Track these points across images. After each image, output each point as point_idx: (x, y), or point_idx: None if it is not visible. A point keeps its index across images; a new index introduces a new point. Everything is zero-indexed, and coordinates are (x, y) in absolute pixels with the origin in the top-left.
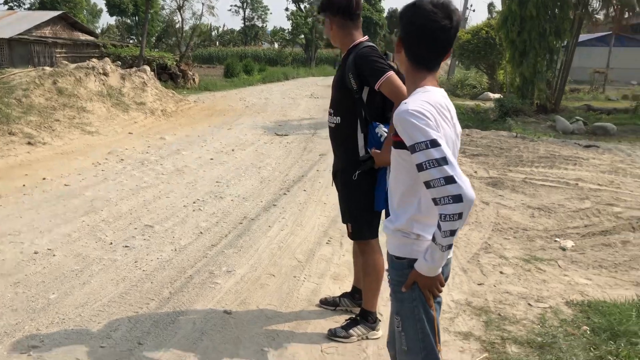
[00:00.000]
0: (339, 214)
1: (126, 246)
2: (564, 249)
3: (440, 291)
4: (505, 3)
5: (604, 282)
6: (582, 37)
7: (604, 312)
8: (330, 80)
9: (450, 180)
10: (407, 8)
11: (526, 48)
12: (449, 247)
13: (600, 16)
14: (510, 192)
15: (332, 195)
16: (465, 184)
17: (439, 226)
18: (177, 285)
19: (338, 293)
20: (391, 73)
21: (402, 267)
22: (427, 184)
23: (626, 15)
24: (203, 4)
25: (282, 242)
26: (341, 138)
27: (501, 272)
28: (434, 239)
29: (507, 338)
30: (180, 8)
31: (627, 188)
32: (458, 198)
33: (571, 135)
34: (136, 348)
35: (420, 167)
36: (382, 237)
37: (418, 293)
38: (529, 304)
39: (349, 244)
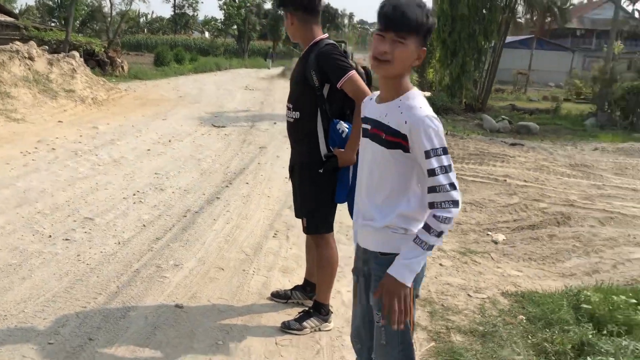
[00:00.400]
0: (283, 207)
1: (66, 239)
2: (495, 242)
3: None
4: (437, 3)
5: (533, 273)
6: (506, 39)
7: (537, 302)
8: (263, 72)
9: (453, 186)
10: (427, 11)
11: (456, 48)
12: (431, 248)
13: (522, 20)
14: None
15: (275, 189)
16: (459, 191)
17: (427, 227)
18: (124, 279)
19: (288, 286)
20: (354, 72)
21: (389, 262)
22: (433, 189)
23: (547, 20)
24: None
25: (228, 235)
26: (301, 133)
27: (441, 265)
28: (417, 239)
29: (452, 327)
30: None
31: (551, 185)
32: (457, 204)
33: (497, 133)
34: (87, 344)
35: (432, 173)
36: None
37: None
38: (469, 295)
39: (295, 237)
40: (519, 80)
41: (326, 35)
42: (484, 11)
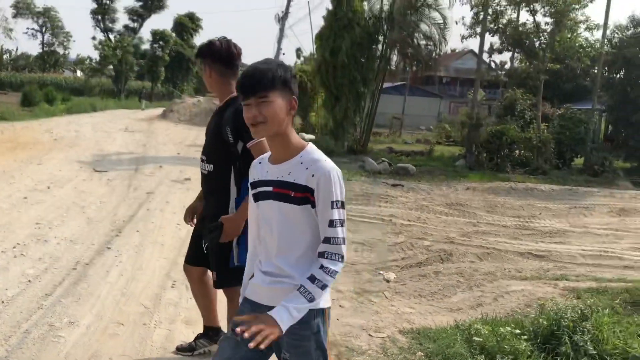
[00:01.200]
0: (178, 256)
1: None
2: (388, 281)
3: None
4: (319, 51)
5: (424, 309)
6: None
7: (433, 338)
8: (141, 113)
9: (344, 241)
10: (278, 66)
11: (339, 93)
12: (313, 299)
13: (395, 68)
14: None
15: (167, 236)
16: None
17: (313, 277)
18: (13, 342)
19: (192, 338)
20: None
21: (310, 317)
22: (328, 240)
23: (414, 68)
24: None
25: (124, 287)
26: (214, 186)
27: (340, 306)
28: (302, 288)
29: None
30: None
31: (432, 223)
32: (343, 258)
33: (379, 174)
34: None
35: (331, 223)
36: None
37: (323, 342)
38: (370, 335)
39: None
40: (394, 124)
41: None
42: (362, 60)
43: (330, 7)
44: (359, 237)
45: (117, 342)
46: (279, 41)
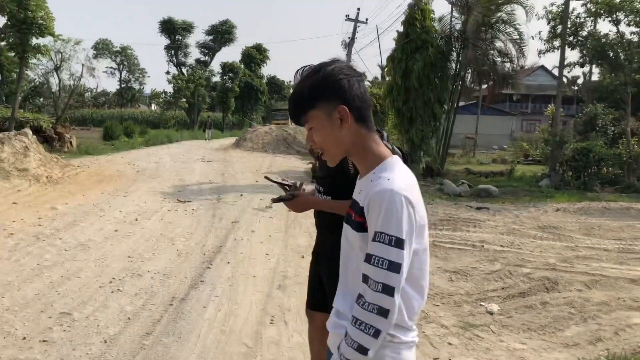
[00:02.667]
0: (272, 289)
1: (44, 340)
2: (491, 313)
3: None
4: (390, 74)
5: (537, 345)
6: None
7: None
8: (215, 143)
9: (387, 289)
10: (313, 75)
11: (412, 115)
12: None
13: (471, 87)
14: None
15: (258, 267)
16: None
17: (346, 333)
18: None
19: None
20: None
21: None
22: (365, 279)
23: (489, 85)
24: (83, 65)
25: (223, 324)
26: (329, 219)
27: (449, 343)
28: (339, 348)
29: None
30: (57, 69)
31: (527, 248)
32: (384, 313)
33: (459, 197)
34: None
35: (368, 259)
36: None
37: None
38: None
39: (294, 322)
40: (467, 144)
41: None
42: (436, 80)
43: (400, 29)
44: (451, 266)
45: None
46: None
